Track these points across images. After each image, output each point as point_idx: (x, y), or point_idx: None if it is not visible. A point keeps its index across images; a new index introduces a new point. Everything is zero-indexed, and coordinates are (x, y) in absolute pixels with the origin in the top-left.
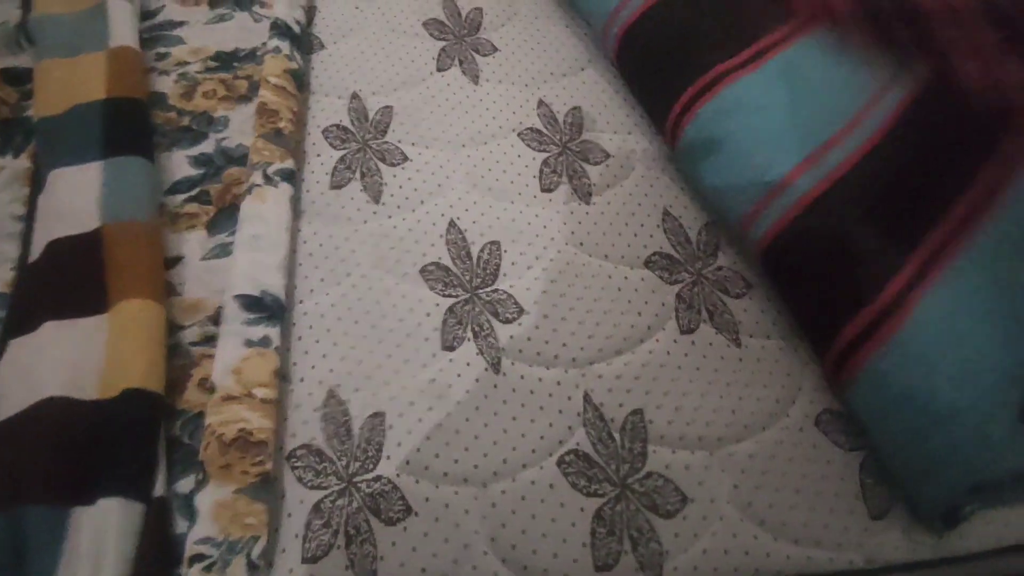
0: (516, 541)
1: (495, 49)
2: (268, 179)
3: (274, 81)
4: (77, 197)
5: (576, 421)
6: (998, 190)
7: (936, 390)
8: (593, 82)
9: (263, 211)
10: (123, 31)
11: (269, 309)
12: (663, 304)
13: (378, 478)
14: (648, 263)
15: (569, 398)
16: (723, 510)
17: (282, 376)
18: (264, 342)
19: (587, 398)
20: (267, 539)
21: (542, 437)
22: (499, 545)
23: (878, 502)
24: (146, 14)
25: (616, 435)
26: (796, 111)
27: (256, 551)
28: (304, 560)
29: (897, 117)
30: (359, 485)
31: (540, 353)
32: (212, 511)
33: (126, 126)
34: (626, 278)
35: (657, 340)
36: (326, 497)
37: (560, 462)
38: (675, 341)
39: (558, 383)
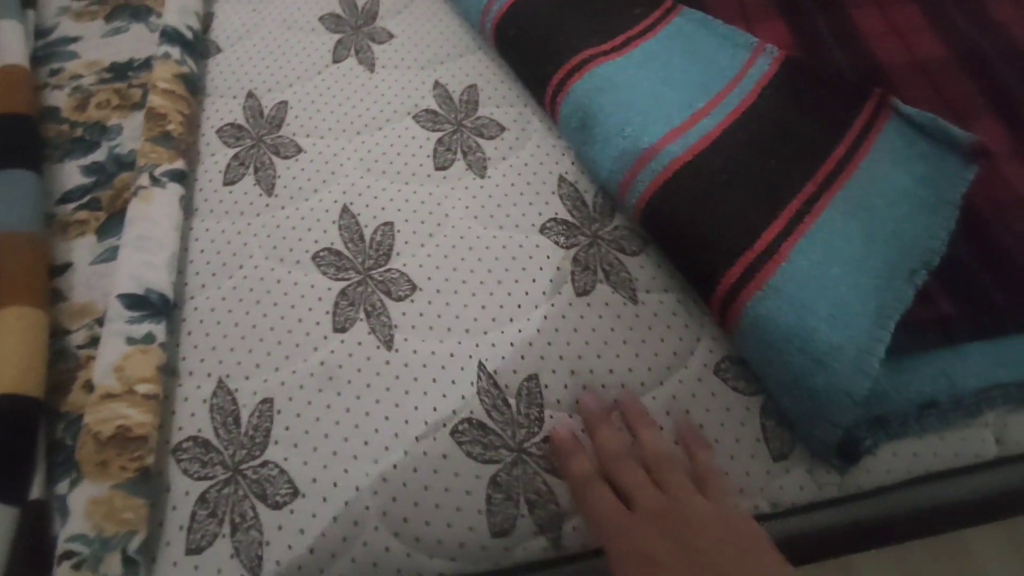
0: (408, 514)
1: (391, 36)
2: (155, 180)
3: (163, 86)
4: None
5: (470, 391)
6: (859, 150)
7: (813, 330)
8: (489, 60)
9: (149, 212)
10: (12, 50)
11: (154, 307)
12: (558, 268)
13: (265, 463)
14: (543, 229)
15: (463, 368)
16: None
17: (171, 371)
18: (147, 339)
19: (481, 367)
20: (147, 533)
21: (435, 409)
22: (391, 519)
23: (779, 444)
24: (41, 32)
25: (511, 401)
26: (663, 89)
27: (134, 546)
28: (188, 552)
29: (760, 90)
30: (245, 472)
31: (433, 327)
32: (85, 508)
33: (12, 141)
34: (521, 246)
35: (552, 305)
36: (212, 487)
37: (454, 431)
38: (570, 304)
39: (451, 355)
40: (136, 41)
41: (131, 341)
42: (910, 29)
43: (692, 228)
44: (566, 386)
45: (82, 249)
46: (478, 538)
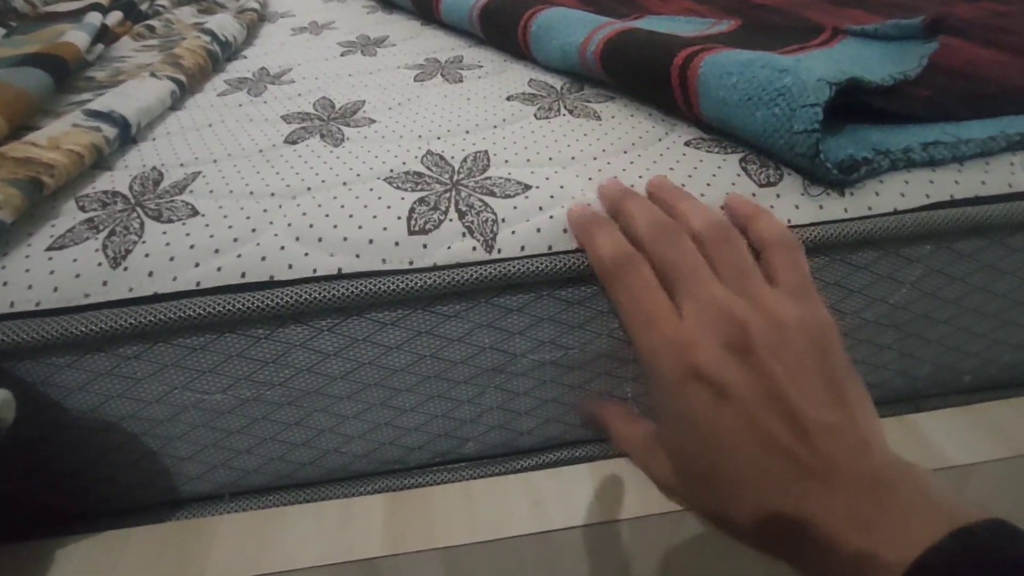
0: (315, 221)
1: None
2: (153, 75)
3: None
4: None
5: (415, 161)
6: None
7: (770, 58)
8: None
9: (139, 84)
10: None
11: (112, 119)
12: (520, 110)
13: (171, 200)
14: (511, 98)
15: (408, 150)
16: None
17: (104, 164)
18: (94, 129)
19: (429, 152)
20: (10, 222)
21: (372, 168)
22: (295, 227)
23: (765, 176)
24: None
25: (454, 164)
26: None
27: None
28: (49, 248)
29: (735, 27)
30: (145, 205)
31: (384, 136)
32: None
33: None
34: (493, 108)
35: (516, 125)
36: (102, 211)
37: (388, 179)
38: (530, 123)
39: (403, 146)
40: None
41: (76, 126)
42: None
43: (638, 59)
44: (517, 154)
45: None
46: (391, 236)
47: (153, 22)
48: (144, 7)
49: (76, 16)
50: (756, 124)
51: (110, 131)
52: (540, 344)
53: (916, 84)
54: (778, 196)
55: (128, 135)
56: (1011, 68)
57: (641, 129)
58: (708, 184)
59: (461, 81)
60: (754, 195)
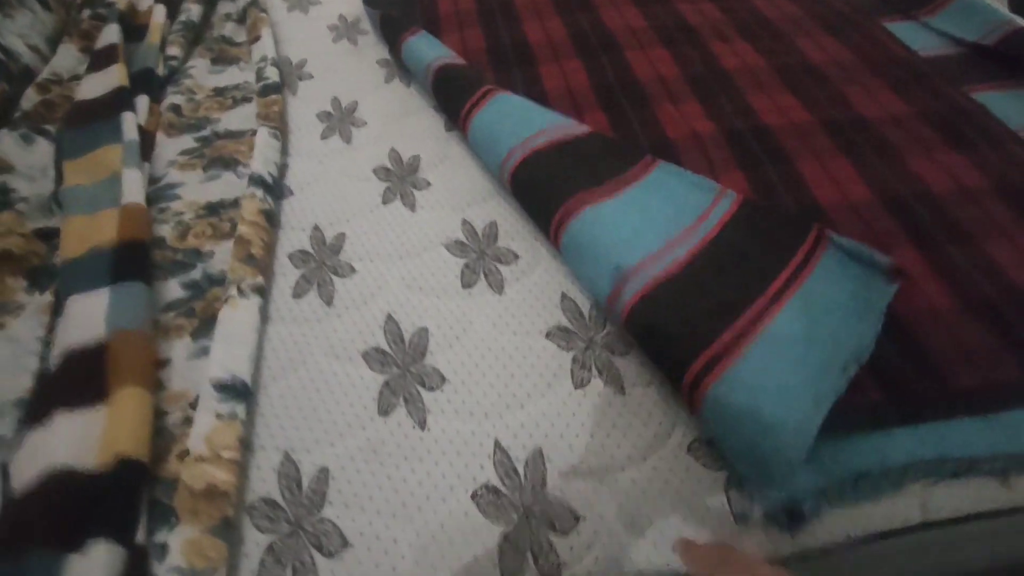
0: (436, 563)
1: (429, 184)
2: (241, 292)
3: (249, 218)
4: (88, 315)
5: (488, 462)
6: (802, 272)
7: (761, 408)
8: (508, 204)
9: (235, 316)
10: (133, 192)
11: (236, 390)
12: (560, 366)
13: (322, 520)
14: (548, 335)
15: (480, 444)
16: (611, 526)
17: (247, 445)
18: (231, 415)
19: (496, 443)
20: (225, 572)
21: (459, 476)
22: (421, 567)
23: (741, 508)
24: (153, 179)
25: (520, 469)
26: (644, 224)
27: None
28: None
29: (723, 224)
30: (305, 527)
31: (458, 411)
32: (180, 547)
33: (131, 260)
34: (530, 347)
35: (555, 394)
36: (278, 539)
37: (474, 496)
38: (569, 394)
39: (472, 433)
40: (227, 185)
41: (219, 416)
42: (845, 179)
43: (665, 331)
44: (565, 459)
45: (179, 348)
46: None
47: (177, 100)
48: (159, 70)
49: (109, 117)
50: (740, 468)
51: (239, 407)
52: None
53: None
54: (748, 532)
55: (249, 395)
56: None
57: (656, 418)
58: (695, 493)
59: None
60: (731, 533)
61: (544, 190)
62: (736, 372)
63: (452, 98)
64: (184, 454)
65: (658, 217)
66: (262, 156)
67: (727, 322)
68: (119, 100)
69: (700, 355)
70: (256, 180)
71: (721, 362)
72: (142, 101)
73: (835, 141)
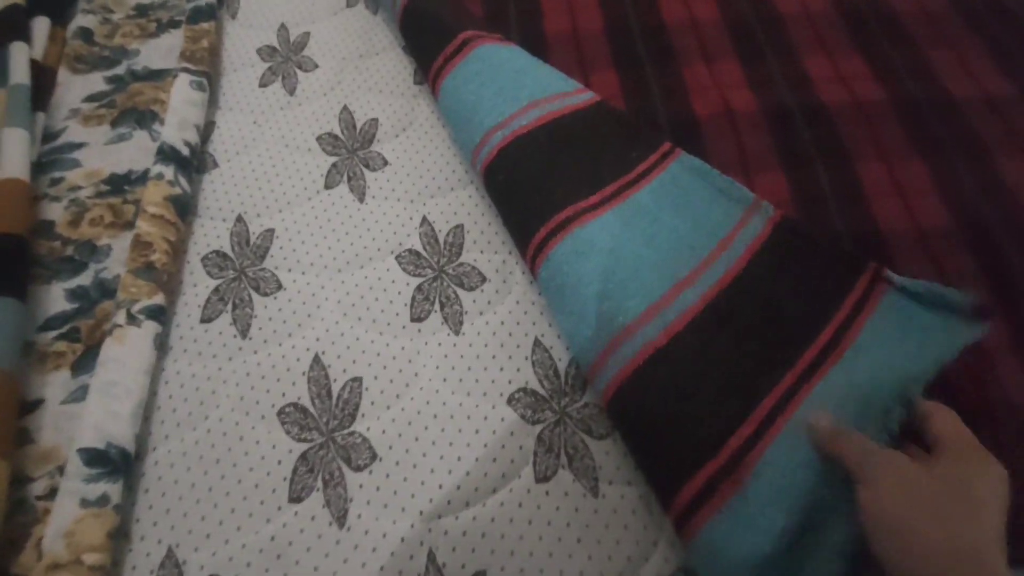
0: None
1: (385, 163)
2: (132, 318)
3: (152, 211)
4: None
5: None
6: (847, 332)
7: (770, 558)
8: (480, 196)
9: (121, 354)
10: (14, 162)
11: (112, 463)
12: (521, 448)
13: None
14: (511, 400)
15: (411, 557)
16: None
17: (123, 534)
18: (102, 501)
19: (431, 557)
20: None
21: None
22: None
23: None
24: (49, 135)
25: None
26: (648, 252)
27: None
28: None
29: (750, 256)
30: None
31: (387, 505)
32: None
33: (1, 264)
34: (486, 418)
35: (510, 490)
36: None
37: None
38: (528, 491)
39: (402, 539)
40: (138, 151)
41: (85, 503)
42: (916, 191)
43: (657, 429)
44: None
45: (56, 385)
46: None
47: (88, 21)
48: None
49: None
50: None
51: (114, 487)
52: None
53: None
54: None
55: (129, 466)
56: None
57: (633, 535)
58: None
59: None
60: None
61: (524, 198)
62: (741, 504)
63: (421, 47)
64: (40, 548)
65: (668, 239)
66: (178, 117)
67: (738, 418)
68: (9, 23)
69: (699, 471)
70: (166, 153)
71: (724, 484)
72: (41, 24)
73: (911, 133)
